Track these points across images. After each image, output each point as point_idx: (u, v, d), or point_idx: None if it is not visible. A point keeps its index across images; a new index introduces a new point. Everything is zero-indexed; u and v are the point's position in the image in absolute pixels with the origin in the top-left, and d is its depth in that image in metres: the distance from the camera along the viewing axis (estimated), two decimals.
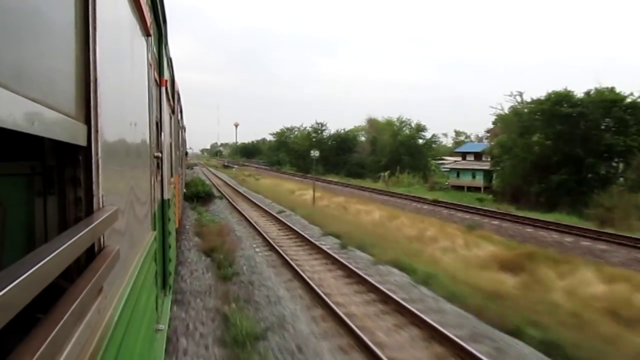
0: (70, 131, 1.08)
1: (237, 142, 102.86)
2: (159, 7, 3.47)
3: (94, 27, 1.24)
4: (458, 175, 54.35)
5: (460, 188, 50.21)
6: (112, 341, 1.26)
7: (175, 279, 7.01)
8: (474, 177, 52.49)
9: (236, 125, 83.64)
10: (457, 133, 60.79)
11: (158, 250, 3.53)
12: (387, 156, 58.96)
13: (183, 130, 15.33)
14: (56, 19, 1.07)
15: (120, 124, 1.75)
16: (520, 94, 41.80)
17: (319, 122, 74.01)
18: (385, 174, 51.82)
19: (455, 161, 60.05)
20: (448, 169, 58.64)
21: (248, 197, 26.76)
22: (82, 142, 1.17)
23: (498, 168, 43.07)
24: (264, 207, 21.51)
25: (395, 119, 63.98)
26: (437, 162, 62.60)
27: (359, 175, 57.03)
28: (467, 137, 67.53)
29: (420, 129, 62.30)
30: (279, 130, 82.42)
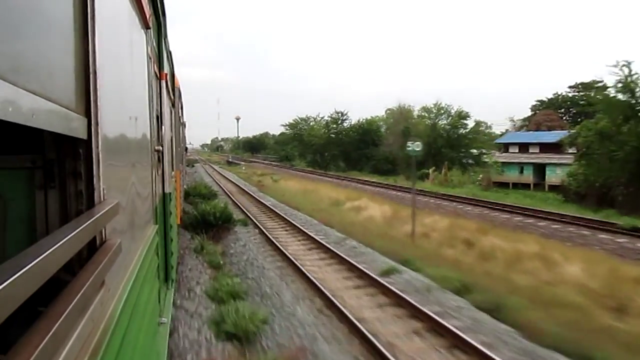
0: (70, 124, 1.07)
1: (238, 137, 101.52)
2: None
3: (93, 19, 1.23)
4: (502, 170, 46.34)
5: (503, 185, 41.56)
6: (114, 334, 1.26)
7: None
8: (521, 172, 45.06)
9: (237, 119, 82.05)
10: (477, 123, 54.75)
11: (160, 244, 3.54)
12: (424, 149, 49.54)
13: (183, 127, 15.04)
14: (55, 11, 1.06)
15: (121, 117, 1.74)
16: (628, 64, 28.92)
17: (338, 110, 63.99)
18: (430, 170, 42.54)
19: (483, 153, 51.09)
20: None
21: (287, 217, 16.00)
22: (83, 135, 1.16)
23: (583, 162, 32.16)
24: (331, 247, 11.16)
25: (433, 106, 52.97)
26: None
27: (388, 172, 48.04)
28: (488, 127, 60.35)
29: (462, 116, 51.04)
30: (292, 121, 71.55)
